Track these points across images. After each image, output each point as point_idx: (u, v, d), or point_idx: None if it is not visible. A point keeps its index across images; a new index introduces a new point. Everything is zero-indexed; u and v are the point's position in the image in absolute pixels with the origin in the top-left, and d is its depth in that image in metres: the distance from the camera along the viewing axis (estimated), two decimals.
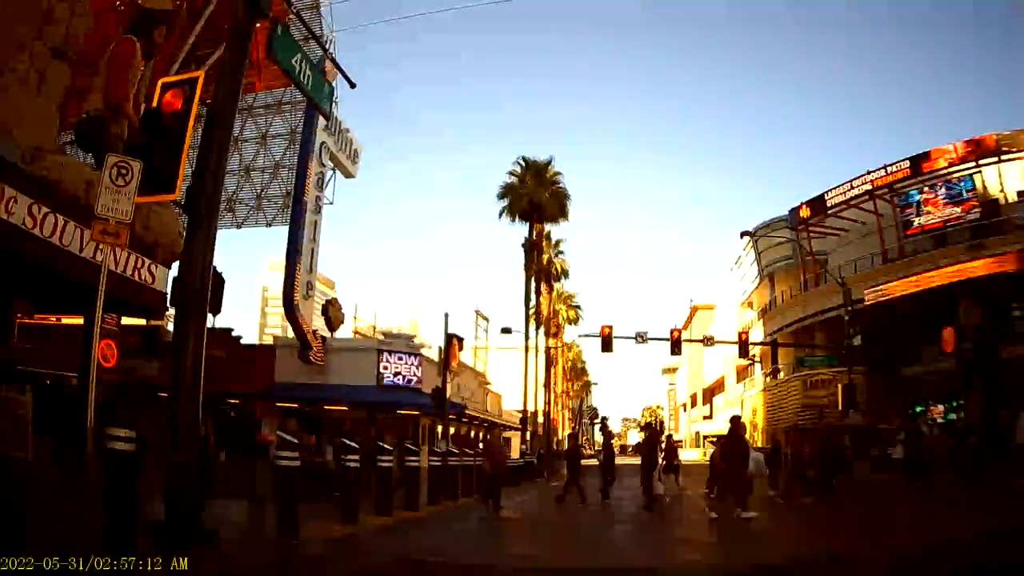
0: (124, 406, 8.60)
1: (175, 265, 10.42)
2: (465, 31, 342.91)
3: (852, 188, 33.62)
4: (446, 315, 26.19)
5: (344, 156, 29.03)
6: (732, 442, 12.76)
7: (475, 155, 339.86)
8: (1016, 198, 27.97)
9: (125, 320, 12.25)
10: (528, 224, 34.73)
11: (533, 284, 35.88)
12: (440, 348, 27.36)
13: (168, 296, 10.68)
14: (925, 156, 30.45)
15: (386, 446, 11.93)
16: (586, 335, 53.08)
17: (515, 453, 36.95)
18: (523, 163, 35.31)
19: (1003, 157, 28.42)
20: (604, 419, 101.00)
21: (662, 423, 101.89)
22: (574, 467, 16.32)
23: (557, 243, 42.08)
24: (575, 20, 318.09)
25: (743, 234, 38.04)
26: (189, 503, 6.67)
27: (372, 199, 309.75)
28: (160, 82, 8.20)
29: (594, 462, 28.68)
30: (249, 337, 40.55)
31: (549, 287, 42.19)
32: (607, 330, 29.76)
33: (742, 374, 56.87)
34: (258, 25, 8.20)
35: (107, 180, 6.61)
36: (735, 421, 13.28)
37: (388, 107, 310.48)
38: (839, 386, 28.06)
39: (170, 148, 7.69)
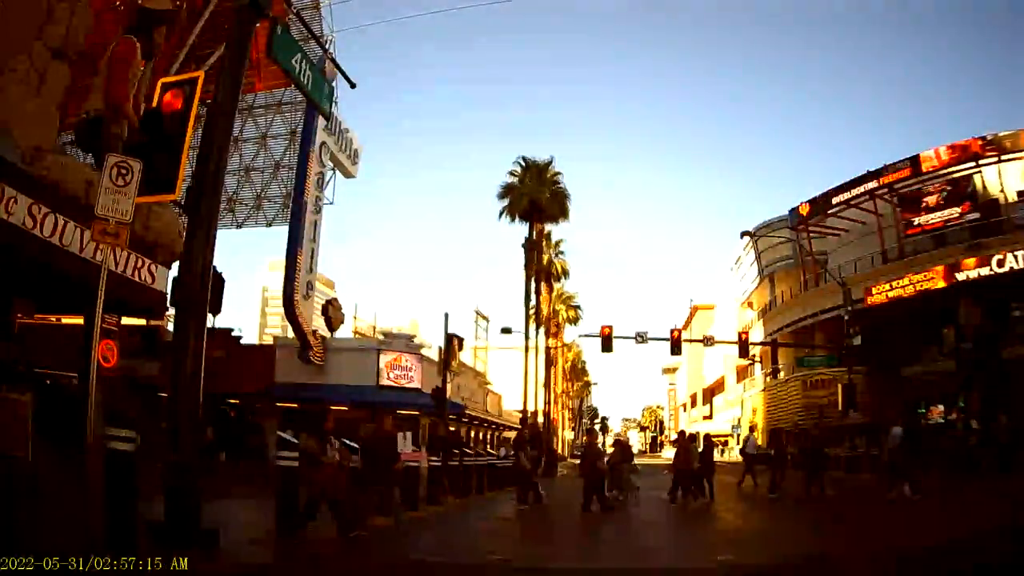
0: (124, 406, 8.61)
1: (175, 265, 10.42)
2: (466, 31, 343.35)
3: (852, 188, 33.61)
4: (446, 315, 26.17)
5: (344, 156, 29.01)
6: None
7: (475, 155, 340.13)
8: (1016, 198, 27.98)
9: (125, 320, 12.24)
10: (528, 224, 34.74)
11: (533, 284, 35.89)
12: (440, 348, 27.33)
13: (168, 296, 10.68)
14: (915, 160, 30.49)
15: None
16: (586, 335, 53.08)
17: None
18: (523, 163, 35.32)
19: (983, 161, 28.55)
20: (604, 418, 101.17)
21: (661, 422, 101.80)
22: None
23: (557, 243, 42.15)
24: (575, 20, 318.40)
25: (743, 234, 38.06)
26: (189, 503, 6.67)
27: (372, 199, 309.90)
28: (160, 82, 8.19)
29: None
30: (249, 337, 40.60)
31: (549, 287, 42.22)
32: (607, 330, 29.75)
33: (742, 374, 56.85)
34: (258, 25, 8.20)
35: (107, 180, 6.60)
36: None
37: (388, 107, 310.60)
38: (839, 386, 28.08)
39: (170, 148, 7.68)
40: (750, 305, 53.15)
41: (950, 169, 29.61)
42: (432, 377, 26.43)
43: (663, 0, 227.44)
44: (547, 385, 42.53)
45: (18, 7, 8.70)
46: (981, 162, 28.81)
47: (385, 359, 26.54)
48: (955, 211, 29.39)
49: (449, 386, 25.94)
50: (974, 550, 6.78)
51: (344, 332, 29.77)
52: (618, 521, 12.40)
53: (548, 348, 43.71)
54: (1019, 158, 28.19)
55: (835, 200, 34.68)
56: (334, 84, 16.61)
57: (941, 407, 28.88)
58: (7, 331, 10.23)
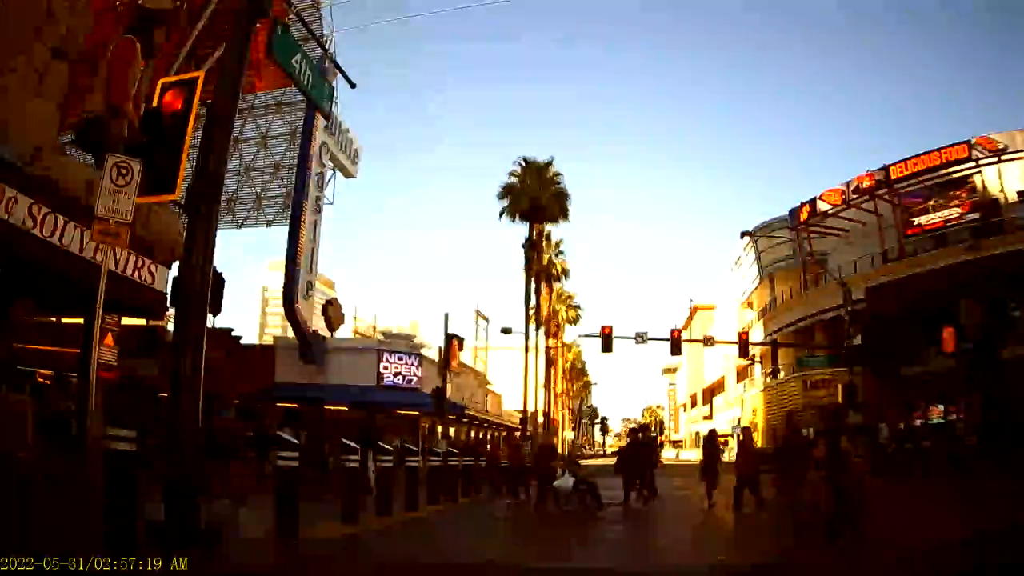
0: (124, 406, 8.62)
1: (175, 265, 10.42)
2: (466, 31, 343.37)
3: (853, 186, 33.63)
4: (446, 315, 26.23)
5: (344, 156, 29.03)
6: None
7: (476, 155, 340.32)
8: (1016, 198, 28.01)
9: (125, 320, 12.24)
10: (528, 224, 34.70)
11: (533, 284, 35.85)
12: (440, 348, 27.36)
13: (168, 296, 10.67)
14: (914, 160, 30.55)
15: (386, 446, 11.96)
16: (586, 335, 52.97)
17: None
18: (523, 163, 35.28)
19: (983, 161, 28.56)
20: (604, 418, 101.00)
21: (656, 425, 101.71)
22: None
23: (557, 243, 42.08)
24: (575, 20, 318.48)
25: (743, 234, 38.04)
26: (189, 503, 6.66)
27: (372, 199, 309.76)
28: (160, 82, 8.18)
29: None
30: (249, 337, 40.58)
31: (549, 287, 42.19)
32: (607, 330, 29.73)
33: (742, 374, 56.81)
34: (258, 25, 8.19)
35: (107, 180, 6.60)
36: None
37: (389, 107, 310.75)
38: (839, 386, 28.05)
39: (170, 148, 7.67)
40: (750, 305, 53.12)
41: (950, 169, 29.63)
42: (432, 377, 26.45)
43: (664, 0, 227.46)
44: (547, 385, 42.55)
45: (18, 7, 8.69)
46: (981, 162, 28.83)
47: (385, 359, 26.56)
48: (955, 211, 29.40)
49: (449, 386, 25.96)
50: None
51: (344, 332, 29.80)
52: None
53: (548, 348, 43.75)
54: (1019, 158, 28.21)
55: (834, 200, 34.69)
56: (334, 84, 16.63)
57: (941, 407, 28.85)
58: (7, 331, 10.23)
